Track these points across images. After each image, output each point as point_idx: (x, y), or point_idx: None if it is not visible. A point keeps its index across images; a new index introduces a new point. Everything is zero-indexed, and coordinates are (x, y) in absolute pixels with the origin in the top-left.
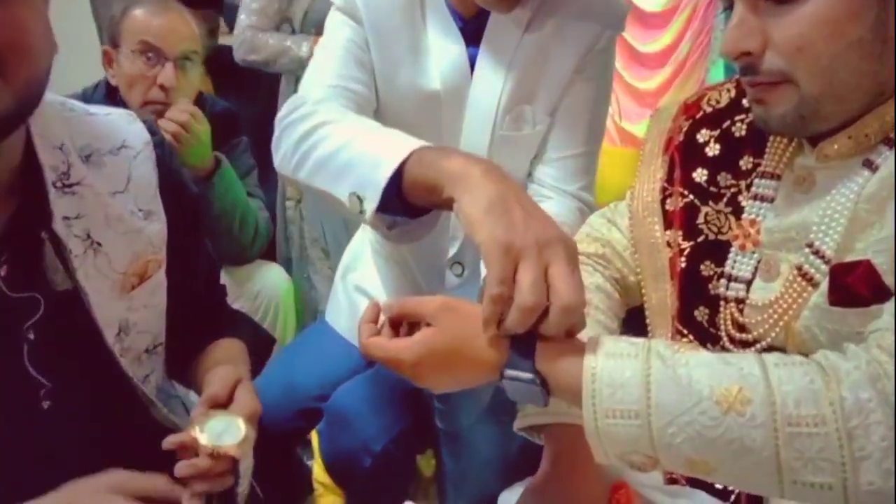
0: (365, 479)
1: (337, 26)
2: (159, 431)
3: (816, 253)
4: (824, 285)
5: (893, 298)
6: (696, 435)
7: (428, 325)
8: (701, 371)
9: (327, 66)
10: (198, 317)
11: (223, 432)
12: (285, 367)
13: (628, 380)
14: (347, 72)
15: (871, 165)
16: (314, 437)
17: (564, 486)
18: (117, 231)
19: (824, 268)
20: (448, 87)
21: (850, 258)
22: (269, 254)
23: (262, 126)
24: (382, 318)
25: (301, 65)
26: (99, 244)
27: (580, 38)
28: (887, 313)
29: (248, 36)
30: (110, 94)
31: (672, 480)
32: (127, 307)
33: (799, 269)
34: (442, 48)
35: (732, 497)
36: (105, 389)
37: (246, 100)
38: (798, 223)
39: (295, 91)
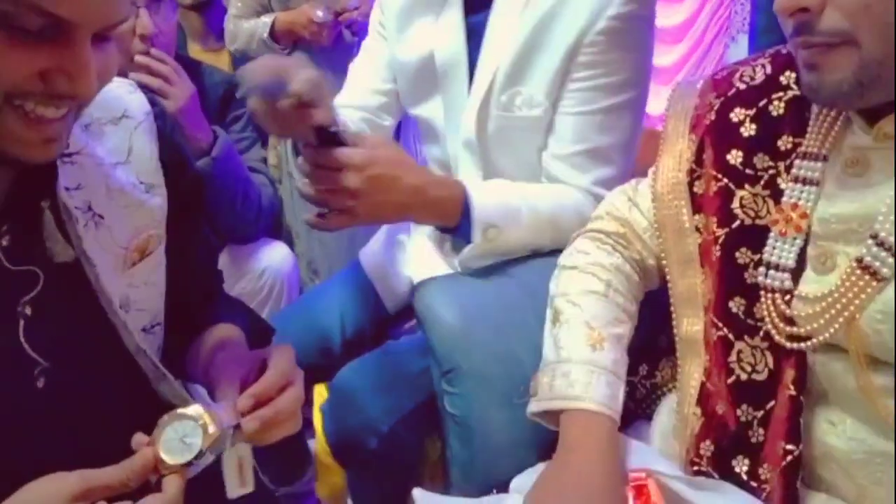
0: (370, 460)
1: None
2: (164, 410)
3: (881, 245)
4: None
5: None
6: None
7: None
8: None
9: (348, 84)
10: (193, 301)
11: (185, 437)
12: (308, 300)
13: None
14: (361, 86)
15: None
16: (316, 416)
17: (580, 473)
18: (119, 203)
19: (891, 261)
20: (443, 57)
21: None
22: (276, 231)
23: None
24: None
25: (268, 48)
26: (101, 217)
27: (573, 21)
28: None
29: (230, 26)
30: None
31: (698, 472)
32: (128, 283)
33: (859, 261)
34: (440, 16)
35: (764, 489)
36: (105, 367)
37: None
38: (861, 213)
39: None
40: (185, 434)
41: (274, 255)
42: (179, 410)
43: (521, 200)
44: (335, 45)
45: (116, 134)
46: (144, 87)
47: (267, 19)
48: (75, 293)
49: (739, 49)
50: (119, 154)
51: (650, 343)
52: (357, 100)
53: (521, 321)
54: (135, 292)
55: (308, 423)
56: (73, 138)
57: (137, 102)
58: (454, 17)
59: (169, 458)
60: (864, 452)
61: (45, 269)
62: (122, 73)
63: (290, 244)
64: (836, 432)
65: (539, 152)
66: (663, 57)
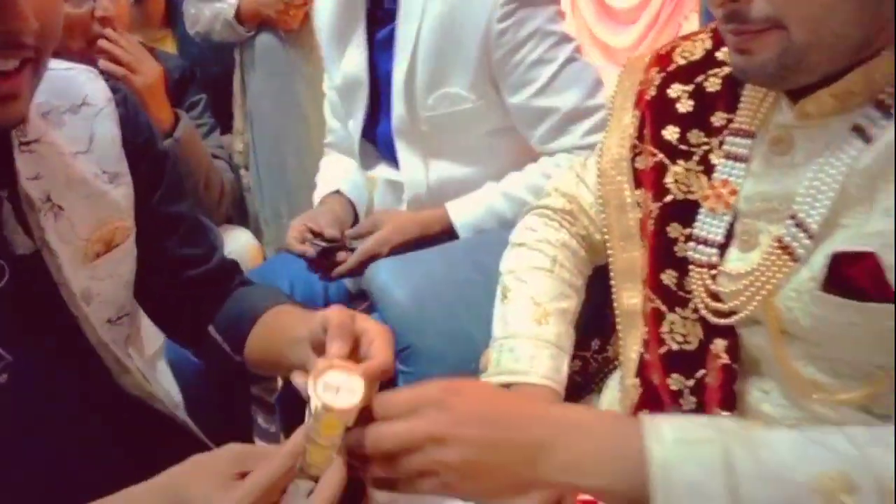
0: None
1: None
2: (127, 403)
3: (799, 226)
4: (815, 268)
5: None
6: None
7: None
8: (788, 454)
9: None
10: (200, 277)
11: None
12: (260, 269)
13: (709, 474)
14: (328, 126)
15: (863, 135)
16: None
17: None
18: (80, 194)
19: (807, 242)
20: (349, 74)
21: (836, 235)
22: (241, 219)
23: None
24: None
25: (233, 30)
26: (60, 208)
27: (473, 17)
28: None
29: (191, 10)
30: None
31: None
32: (90, 276)
33: (779, 241)
34: (352, 35)
35: None
36: (68, 361)
37: (203, 61)
38: (781, 193)
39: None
40: (339, 385)
41: (237, 242)
42: (324, 365)
43: (498, 199)
44: (303, 26)
45: (76, 122)
46: (107, 74)
47: (232, 0)
48: (37, 286)
49: (691, 26)
50: (79, 143)
51: (602, 318)
52: (335, 139)
53: (473, 299)
54: (98, 285)
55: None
56: (31, 125)
57: (98, 89)
58: (359, 34)
59: (334, 404)
60: (795, 419)
61: (7, 260)
62: (86, 61)
63: (257, 232)
64: (768, 400)
65: (477, 137)
66: (620, 37)
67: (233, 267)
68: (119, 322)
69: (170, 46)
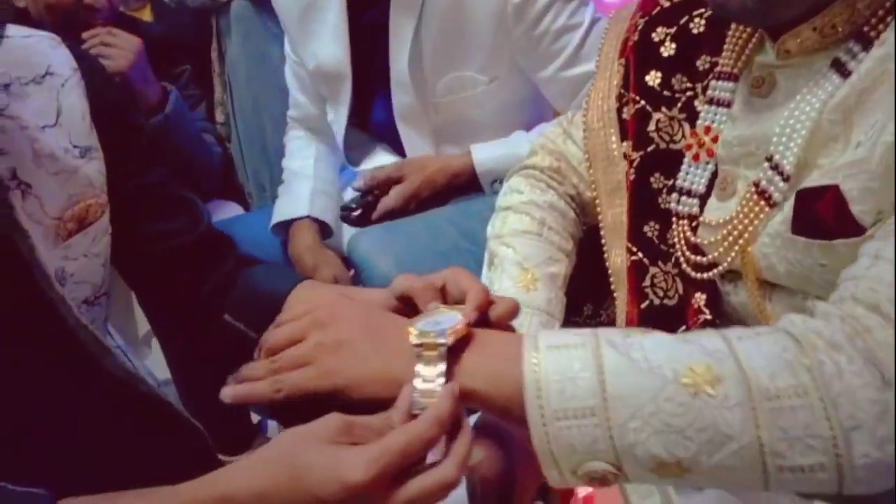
0: (301, 412)
1: None
2: (110, 384)
3: (775, 168)
4: (787, 210)
5: (887, 237)
6: (664, 426)
7: None
8: (659, 352)
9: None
10: (184, 250)
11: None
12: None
13: (578, 372)
14: (294, 99)
15: (842, 70)
16: None
17: None
18: (49, 171)
19: (783, 185)
20: (328, 64)
21: (811, 176)
22: (228, 192)
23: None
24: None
25: None
26: (28, 185)
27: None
28: (866, 256)
29: None
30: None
31: None
32: (62, 256)
33: (756, 185)
34: (325, 21)
35: None
36: (47, 344)
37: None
38: (759, 135)
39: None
40: (438, 322)
41: (226, 216)
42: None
43: (516, 148)
44: None
45: (41, 94)
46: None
47: None
48: (9, 267)
49: None
50: (46, 116)
51: (594, 281)
52: (301, 114)
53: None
54: (72, 265)
55: None
56: None
57: (62, 58)
58: (336, 23)
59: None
60: None
61: None
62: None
63: (244, 205)
64: None
65: (489, 114)
66: None
67: (222, 240)
68: (97, 302)
69: (147, 15)
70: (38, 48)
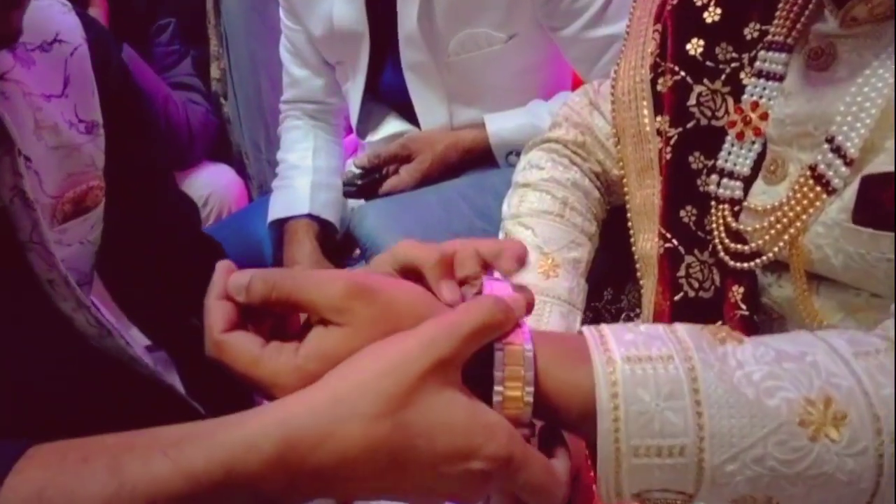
0: None
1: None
2: (105, 366)
3: (836, 151)
4: (848, 198)
5: None
6: (768, 472)
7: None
8: (765, 372)
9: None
10: (192, 245)
11: None
12: (242, 213)
13: (668, 402)
14: (291, 78)
15: None
16: None
17: None
18: (49, 144)
19: (844, 170)
20: (343, 25)
21: (877, 160)
22: (223, 154)
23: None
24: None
25: None
26: (27, 158)
27: None
28: None
29: None
30: None
31: None
32: (56, 240)
33: (812, 169)
34: None
35: None
36: (40, 327)
37: None
38: (817, 113)
39: None
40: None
41: (219, 180)
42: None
43: (534, 118)
44: None
45: (48, 61)
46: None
47: None
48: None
49: None
50: (52, 85)
51: (615, 265)
52: (300, 93)
53: None
54: (64, 250)
55: None
56: None
57: (72, 25)
58: None
59: None
60: None
61: None
62: None
63: (240, 166)
64: None
65: (506, 77)
66: None
67: (211, 246)
68: (81, 290)
69: None
70: (48, 13)
